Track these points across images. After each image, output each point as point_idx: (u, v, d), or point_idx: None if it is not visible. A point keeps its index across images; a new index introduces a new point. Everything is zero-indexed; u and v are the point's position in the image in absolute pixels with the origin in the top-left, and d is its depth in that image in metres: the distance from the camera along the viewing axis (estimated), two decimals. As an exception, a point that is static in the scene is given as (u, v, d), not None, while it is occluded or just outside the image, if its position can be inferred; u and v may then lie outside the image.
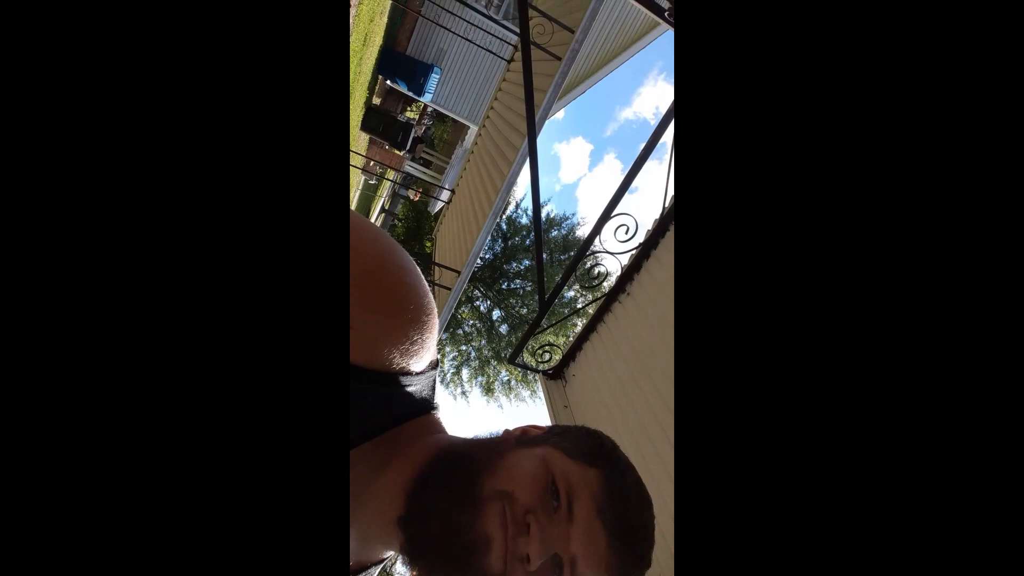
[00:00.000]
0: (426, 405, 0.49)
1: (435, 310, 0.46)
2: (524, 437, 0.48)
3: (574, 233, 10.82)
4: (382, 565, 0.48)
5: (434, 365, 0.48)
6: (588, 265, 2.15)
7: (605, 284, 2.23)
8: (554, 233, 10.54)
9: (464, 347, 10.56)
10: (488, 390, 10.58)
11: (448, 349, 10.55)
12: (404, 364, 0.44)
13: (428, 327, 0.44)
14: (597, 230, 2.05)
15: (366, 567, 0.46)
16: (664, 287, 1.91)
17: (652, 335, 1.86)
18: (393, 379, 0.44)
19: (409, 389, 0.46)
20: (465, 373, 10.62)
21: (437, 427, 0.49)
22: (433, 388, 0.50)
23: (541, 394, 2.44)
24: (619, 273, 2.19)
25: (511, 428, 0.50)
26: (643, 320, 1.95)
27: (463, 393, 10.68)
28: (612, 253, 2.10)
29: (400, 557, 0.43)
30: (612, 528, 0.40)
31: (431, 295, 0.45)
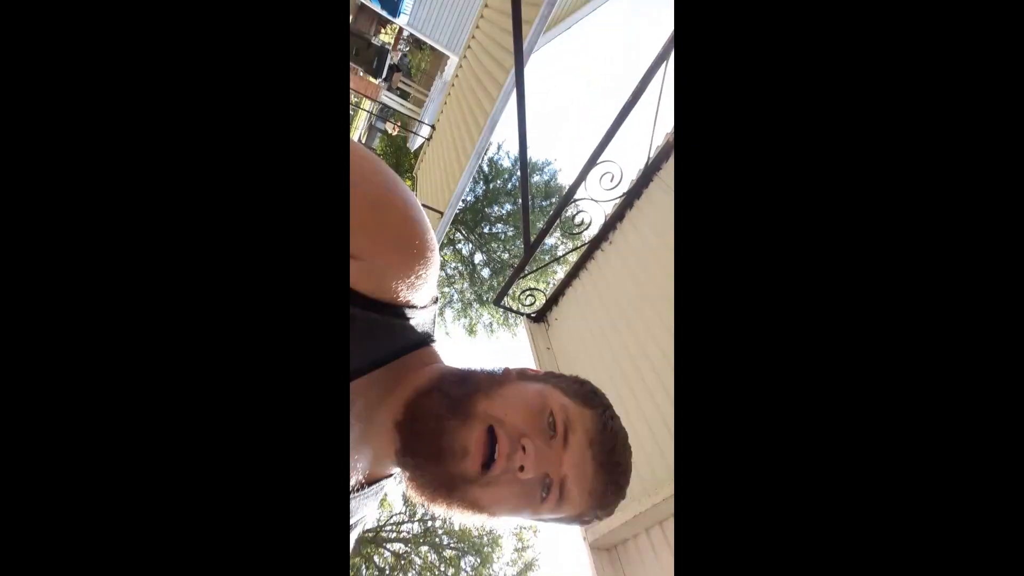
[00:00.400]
0: (427, 338, 0.52)
1: (437, 246, 0.47)
2: (525, 373, 0.52)
3: (556, 179, 10.62)
4: (391, 478, 0.52)
5: (434, 300, 0.51)
6: (571, 213, 2.13)
7: (586, 234, 2.22)
8: (536, 179, 10.33)
9: (446, 289, 10.61)
10: (471, 332, 10.77)
11: (430, 291, 10.57)
12: (410, 297, 0.46)
13: (431, 262, 0.46)
14: (583, 176, 2.01)
15: (378, 479, 0.50)
16: (647, 237, 1.92)
17: (632, 284, 1.89)
18: (400, 311, 0.46)
19: (413, 322, 0.49)
20: (448, 315, 10.74)
21: (437, 358, 0.53)
22: (433, 322, 0.53)
23: (522, 338, 2.50)
24: (603, 222, 2.18)
25: (511, 367, 0.54)
26: (624, 269, 1.97)
27: (447, 333, 10.87)
28: (597, 200, 2.07)
29: (398, 463, 0.46)
30: (600, 459, 0.45)
31: (432, 231, 0.47)
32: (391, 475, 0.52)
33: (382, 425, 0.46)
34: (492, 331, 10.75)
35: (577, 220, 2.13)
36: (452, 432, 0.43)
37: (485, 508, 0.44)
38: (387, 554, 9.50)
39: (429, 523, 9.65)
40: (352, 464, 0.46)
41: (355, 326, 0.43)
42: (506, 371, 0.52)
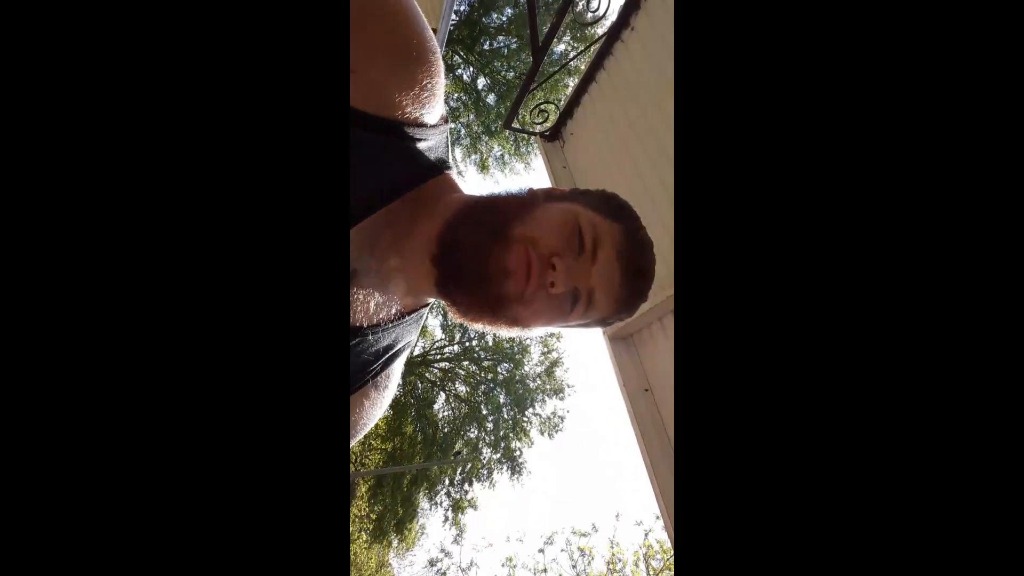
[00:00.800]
0: (443, 164, 0.50)
1: (439, 50, 0.44)
2: (552, 193, 0.52)
3: (562, -36, 8.81)
4: (429, 306, 0.55)
5: (445, 119, 0.49)
6: (580, 6, 1.81)
7: (603, 26, 1.92)
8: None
9: (452, 125, 9.93)
10: (483, 167, 10.46)
11: (435, 128, 9.99)
12: (416, 113, 0.44)
13: (435, 68, 0.43)
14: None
15: (416, 309, 0.53)
16: (672, 17, 1.64)
17: (658, 75, 1.69)
18: (408, 132, 0.44)
19: (426, 144, 0.47)
20: (458, 153, 10.31)
21: (456, 187, 0.51)
22: (447, 146, 0.51)
23: (537, 162, 2.40)
24: (621, 4, 1.86)
25: (535, 188, 0.53)
26: (647, 59, 1.74)
27: (459, 173, 10.58)
28: (614, -24, 1.74)
29: (439, 294, 0.48)
30: (625, 269, 0.48)
31: (431, 32, 0.43)
32: (428, 304, 0.54)
33: (412, 258, 0.47)
34: (504, 163, 10.40)
35: (593, 5, 1.82)
36: (495, 256, 0.44)
37: (522, 322, 0.47)
38: (435, 371, 11.04)
39: (467, 344, 10.93)
40: (390, 296, 0.48)
41: (362, 151, 0.41)
42: (531, 192, 0.52)
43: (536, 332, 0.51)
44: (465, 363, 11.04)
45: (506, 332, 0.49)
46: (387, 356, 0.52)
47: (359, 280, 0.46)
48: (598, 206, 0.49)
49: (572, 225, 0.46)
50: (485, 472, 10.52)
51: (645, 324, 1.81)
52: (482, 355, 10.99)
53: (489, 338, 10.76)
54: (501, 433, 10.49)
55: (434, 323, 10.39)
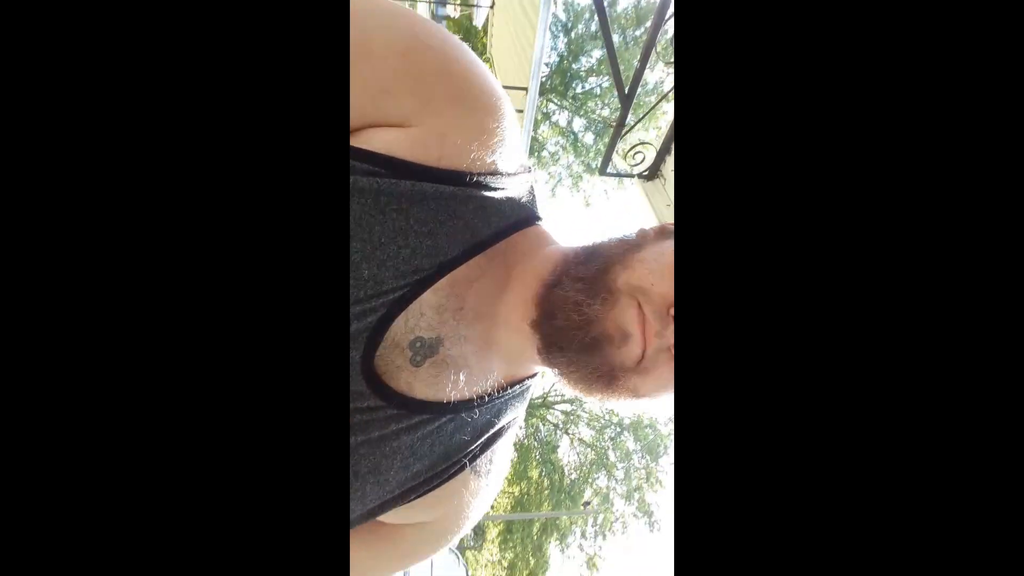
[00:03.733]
0: (530, 214, 0.45)
1: (504, 94, 0.40)
2: (666, 229, 0.44)
3: (647, -3, 8.79)
4: (534, 376, 0.49)
5: (527, 169, 0.44)
6: (669, 34, 1.73)
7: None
8: (621, 6, 8.69)
9: (553, 168, 10.23)
10: (587, 205, 10.48)
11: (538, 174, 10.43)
12: (490, 160, 0.39)
13: (502, 112, 0.39)
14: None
15: (520, 380, 0.47)
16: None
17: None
18: (482, 180, 0.39)
19: (504, 194, 0.42)
20: (561, 193, 10.50)
21: (549, 239, 0.46)
22: (532, 195, 0.45)
23: (642, 201, 2.29)
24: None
25: (647, 228, 0.46)
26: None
27: (556, 219, 10.78)
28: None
29: (544, 362, 0.43)
30: None
31: (491, 75, 0.40)
32: (533, 374, 0.48)
33: (508, 324, 0.42)
34: (608, 197, 10.29)
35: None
36: (600, 318, 0.38)
37: (644, 394, 0.40)
38: (557, 413, 10.89)
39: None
40: (485, 367, 0.43)
41: (429, 205, 0.37)
42: (641, 232, 0.45)
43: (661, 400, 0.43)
44: (587, 404, 10.73)
45: (628, 405, 0.42)
46: (488, 435, 0.46)
47: (445, 349, 0.40)
48: None
49: None
50: (620, 525, 9.87)
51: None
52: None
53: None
54: (634, 484, 9.82)
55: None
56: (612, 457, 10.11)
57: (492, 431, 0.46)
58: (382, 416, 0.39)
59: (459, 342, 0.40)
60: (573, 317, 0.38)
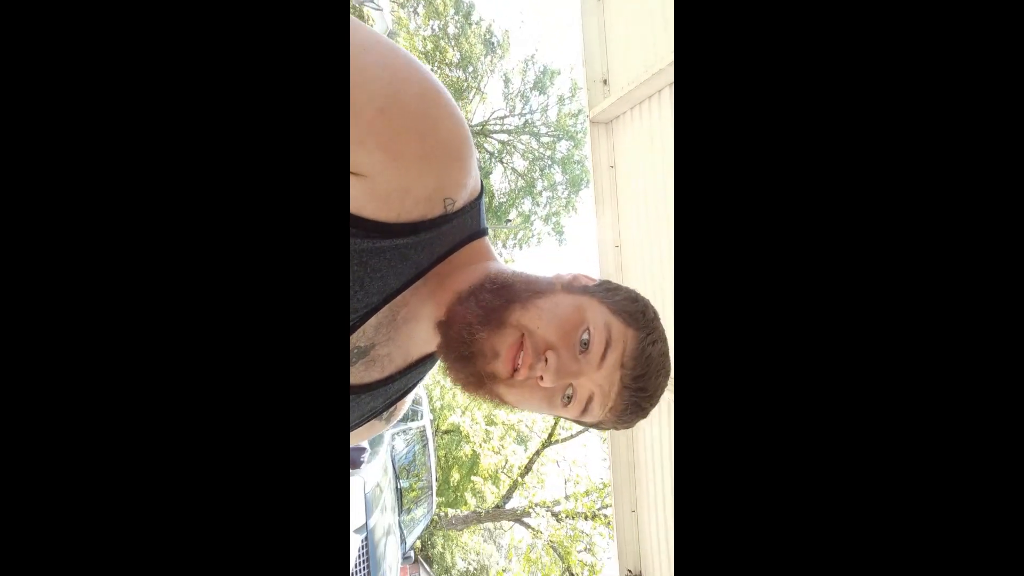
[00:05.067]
0: (473, 231, 0.50)
1: (470, 136, 0.43)
2: (572, 284, 0.50)
3: None
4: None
5: (477, 195, 0.48)
6: None
7: None
8: None
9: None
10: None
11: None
12: (450, 200, 0.44)
13: (468, 154, 0.43)
14: None
15: (429, 356, 0.55)
16: None
17: None
18: (435, 222, 0.44)
19: (453, 222, 0.46)
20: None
21: (485, 254, 0.51)
22: (479, 212, 0.50)
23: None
24: None
25: (563, 273, 0.52)
26: None
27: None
28: None
29: (440, 358, 0.51)
30: (626, 382, 0.46)
31: (464, 123, 0.43)
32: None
33: (429, 320, 0.49)
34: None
35: None
36: (482, 340, 0.45)
37: (509, 403, 0.47)
38: (495, 141, 11.12)
39: (527, 117, 10.64)
40: (405, 352, 0.51)
41: (384, 256, 0.42)
42: (555, 278, 0.51)
43: (527, 407, 0.50)
44: (524, 137, 10.95)
45: (494, 406, 0.50)
46: (394, 398, 0.55)
47: (375, 351, 0.48)
48: (618, 306, 0.47)
49: (576, 321, 0.45)
50: (535, 240, 11.59)
51: (626, 109, 1.92)
52: (542, 130, 10.78)
53: (552, 113, 10.32)
54: (553, 209, 11.09)
55: (495, 90, 9.91)
56: (539, 187, 11.05)
57: (401, 392, 0.56)
58: None
59: (387, 343, 0.49)
60: (462, 334, 0.45)
